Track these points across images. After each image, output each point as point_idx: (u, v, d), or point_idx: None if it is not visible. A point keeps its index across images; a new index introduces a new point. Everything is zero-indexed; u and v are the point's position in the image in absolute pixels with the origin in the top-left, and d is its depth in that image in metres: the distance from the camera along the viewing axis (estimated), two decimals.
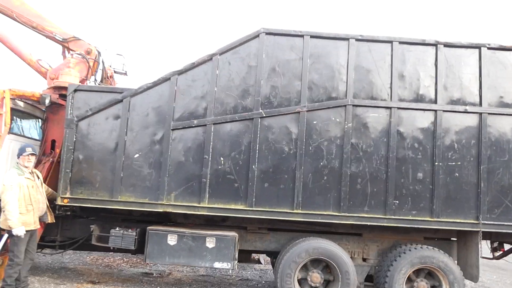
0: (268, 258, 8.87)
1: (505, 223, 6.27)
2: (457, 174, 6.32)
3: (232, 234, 6.51)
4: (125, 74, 9.08)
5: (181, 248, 6.40)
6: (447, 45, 6.58)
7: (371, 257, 6.84)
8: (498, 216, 6.29)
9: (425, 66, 6.55)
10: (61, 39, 7.86)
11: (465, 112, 6.43)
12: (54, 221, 6.62)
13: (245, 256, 7.49)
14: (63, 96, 7.06)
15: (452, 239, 7.03)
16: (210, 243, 6.39)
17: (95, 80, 7.98)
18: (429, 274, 6.50)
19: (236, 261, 6.46)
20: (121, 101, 6.60)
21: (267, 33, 6.61)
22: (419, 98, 6.48)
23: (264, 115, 6.43)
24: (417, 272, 6.49)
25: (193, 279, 8.28)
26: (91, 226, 7.02)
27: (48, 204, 6.42)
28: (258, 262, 9.87)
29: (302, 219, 6.37)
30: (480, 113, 6.40)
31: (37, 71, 8.08)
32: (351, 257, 6.62)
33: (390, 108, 6.42)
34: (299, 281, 6.48)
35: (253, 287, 7.97)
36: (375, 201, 6.30)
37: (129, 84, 11.04)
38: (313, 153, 6.38)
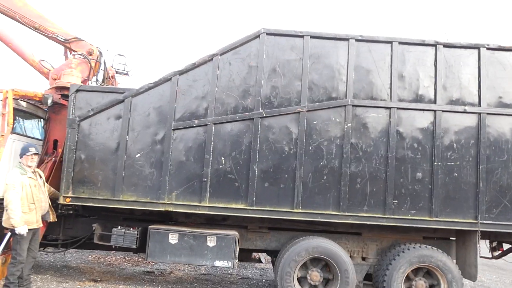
0: (269, 257, 8.91)
1: (504, 223, 6.30)
2: (456, 174, 6.36)
3: (233, 233, 6.56)
4: (127, 74, 9.14)
5: (182, 246, 6.46)
6: (446, 45, 6.61)
7: (371, 256, 6.89)
8: (497, 215, 6.32)
9: (424, 67, 6.58)
10: (63, 40, 7.91)
11: (464, 112, 6.46)
12: (56, 220, 6.67)
13: (245, 255, 7.55)
14: (65, 96, 7.10)
15: (451, 238, 7.06)
16: (211, 242, 6.45)
17: (97, 80, 8.04)
18: (428, 273, 6.54)
19: (237, 260, 6.53)
20: (122, 101, 6.64)
21: (267, 34, 6.65)
22: (418, 98, 6.52)
23: (265, 115, 6.47)
24: (416, 271, 6.53)
25: (194, 277, 8.34)
26: (93, 225, 7.11)
27: (50, 203, 6.48)
28: (259, 261, 9.92)
29: (302, 218, 6.41)
30: (479, 113, 6.43)
31: (39, 72, 8.14)
32: (350, 256, 6.68)
33: (389, 108, 6.46)
34: (299, 280, 6.53)
35: (253, 286, 8.02)
36: (374, 200, 6.35)
37: (131, 84, 11.07)
38: (313, 153, 6.42)
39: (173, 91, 6.59)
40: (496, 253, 7.28)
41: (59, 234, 7.40)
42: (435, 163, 6.33)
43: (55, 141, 7.40)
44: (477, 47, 6.60)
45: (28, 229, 5.95)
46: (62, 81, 7.33)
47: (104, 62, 8.23)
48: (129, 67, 9.07)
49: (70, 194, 6.55)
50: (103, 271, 8.38)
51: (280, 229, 7.04)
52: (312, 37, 6.63)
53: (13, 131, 6.80)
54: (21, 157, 6.15)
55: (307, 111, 6.46)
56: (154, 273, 8.54)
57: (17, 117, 7.05)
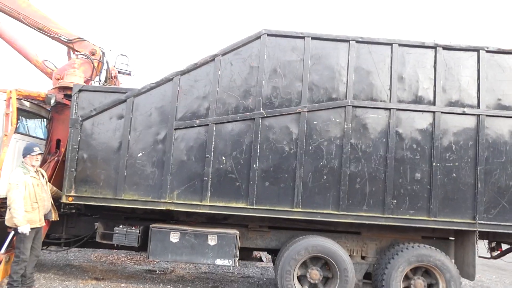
0: (270, 256, 8.97)
1: (502, 223, 6.35)
2: (454, 175, 6.41)
3: (234, 232, 6.63)
4: (129, 74, 9.19)
5: (183, 245, 6.53)
6: (446, 47, 6.65)
7: (370, 255, 6.95)
8: (495, 216, 6.37)
9: (424, 68, 6.63)
10: (66, 40, 7.97)
11: (463, 114, 6.50)
12: (58, 219, 6.74)
13: (246, 254, 7.59)
14: (68, 96, 7.16)
15: (450, 238, 7.12)
16: (212, 241, 6.51)
17: (100, 80, 8.08)
18: (426, 272, 6.59)
19: (237, 258, 6.58)
20: (124, 101, 6.71)
21: (268, 35, 6.71)
22: (418, 100, 6.57)
23: (265, 115, 6.53)
24: (415, 270, 6.59)
25: (195, 276, 8.40)
26: (95, 224, 7.16)
27: (52, 202, 6.55)
28: (260, 260, 9.97)
29: (302, 218, 6.48)
30: (478, 115, 6.47)
31: (42, 72, 8.19)
32: (350, 255, 6.74)
33: (389, 109, 6.51)
34: (299, 278, 6.59)
35: (254, 284, 8.08)
36: (373, 200, 6.40)
37: (133, 84, 11.16)
38: (313, 153, 6.48)
39: (175, 91, 6.66)
40: (495, 253, 7.33)
41: (62, 233, 7.46)
42: (434, 164, 6.39)
43: (58, 141, 7.46)
44: (476, 49, 6.64)
45: (31, 228, 6.02)
46: (65, 81, 7.37)
47: (107, 62, 8.28)
48: (131, 67, 9.12)
49: (72, 193, 6.62)
50: (105, 269, 8.45)
51: (280, 228, 7.10)
52: (313, 38, 6.69)
53: (16, 131, 6.86)
54: (24, 156, 6.20)
55: (307, 111, 6.52)
56: (156, 271, 8.61)
57: (20, 117, 7.11)
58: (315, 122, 6.52)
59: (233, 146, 6.54)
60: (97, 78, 8.00)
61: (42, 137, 7.64)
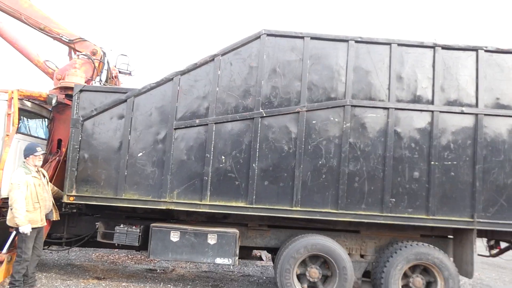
0: (270, 255, 9.01)
1: (500, 222, 6.40)
2: (453, 174, 6.44)
3: (233, 231, 6.66)
4: (130, 74, 9.23)
5: (184, 244, 6.57)
6: (445, 47, 6.68)
7: (369, 253, 6.99)
8: (493, 214, 6.41)
9: (423, 68, 6.66)
10: (67, 41, 8.00)
11: (462, 113, 6.54)
12: (59, 218, 6.78)
13: (246, 253, 7.63)
14: (69, 96, 7.20)
15: (448, 236, 7.15)
16: (212, 240, 6.55)
17: (100, 80, 8.12)
18: (425, 270, 6.63)
19: (237, 257, 6.62)
20: (125, 101, 6.75)
21: (268, 35, 6.74)
22: (416, 99, 6.60)
23: (265, 115, 6.57)
24: (413, 268, 6.62)
25: (196, 275, 8.45)
26: (96, 223, 7.19)
27: (53, 202, 6.59)
28: (260, 258, 10.02)
29: (301, 216, 6.51)
30: (476, 114, 6.51)
31: (44, 72, 8.23)
32: (349, 254, 6.78)
33: (387, 108, 6.54)
34: (298, 277, 6.64)
35: (254, 283, 8.12)
36: (372, 199, 6.44)
37: (134, 84, 11.19)
38: (312, 152, 6.52)
39: (175, 91, 6.70)
40: (494, 251, 7.38)
41: (63, 232, 7.49)
42: (432, 162, 6.42)
43: (59, 141, 7.49)
44: (475, 49, 6.67)
45: (33, 228, 6.06)
46: (66, 81, 7.41)
47: (108, 62, 8.32)
48: (132, 66, 9.16)
49: (73, 193, 6.66)
50: (106, 269, 8.49)
51: (279, 227, 7.14)
52: (312, 38, 6.72)
53: (18, 131, 6.89)
54: (27, 157, 6.22)
55: (306, 111, 6.56)
56: (157, 270, 8.66)
57: (22, 117, 7.15)
58: (314, 122, 6.56)
59: (232, 145, 6.58)
60: (98, 78, 8.03)
61: (44, 137, 7.69)
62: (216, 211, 6.62)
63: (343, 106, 6.55)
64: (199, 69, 6.76)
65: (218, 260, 6.55)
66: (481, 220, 6.38)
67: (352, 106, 6.55)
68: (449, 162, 6.46)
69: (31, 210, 6.07)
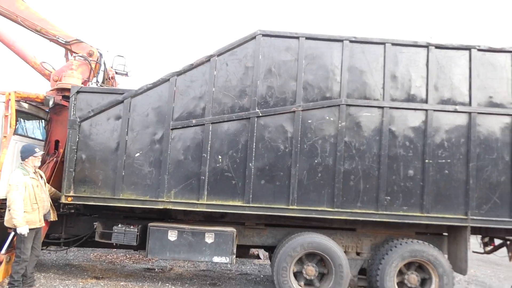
0: (267, 253, 9.06)
1: (493, 219, 6.47)
2: (446, 171, 6.52)
3: (230, 229, 6.72)
4: (126, 75, 9.26)
5: (181, 243, 6.62)
6: (438, 46, 6.74)
7: (365, 251, 7.05)
8: (487, 212, 6.48)
9: (416, 67, 6.72)
10: (64, 42, 8.01)
11: (455, 111, 6.60)
12: (57, 219, 6.82)
13: (243, 251, 7.68)
14: (66, 98, 7.23)
15: (443, 234, 7.22)
16: (209, 239, 6.60)
17: (97, 81, 8.14)
18: (420, 267, 6.71)
19: (235, 256, 6.67)
20: (122, 102, 6.78)
21: (263, 35, 6.78)
22: (410, 98, 6.66)
23: (261, 115, 6.62)
24: (408, 265, 6.70)
25: (194, 274, 8.50)
26: (94, 223, 7.23)
27: (51, 202, 6.63)
28: (257, 257, 10.06)
29: (298, 215, 6.58)
30: (470, 113, 6.57)
31: (41, 74, 8.24)
32: (345, 251, 6.85)
33: (382, 107, 6.60)
34: (295, 274, 6.71)
35: (251, 281, 8.18)
36: (367, 197, 6.51)
37: (130, 85, 11.21)
38: (308, 151, 6.58)
39: (171, 92, 6.74)
40: (488, 248, 7.46)
41: (61, 232, 7.53)
42: (427, 160, 6.49)
43: (57, 142, 7.53)
44: (468, 48, 6.73)
45: (31, 228, 6.10)
46: (63, 82, 7.41)
47: (104, 63, 8.33)
48: (128, 67, 9.19)
49: (71, 193, 6.69)
50: (104, 268, 8.53)
51: (276, 226, 7.19)
52: (307, 38, 6.76)
53: (15, 133, 6.92)
54: (26, 158, 6.25)
55: (302, 110, 6.61)
56: (155, 270, 8.71)
57: (19, 119, 7.17)
58: (309, 121, 6.62)
59: (229, 145, 6.63)
60: (94, 79, 8.05)
61: (41, 138, 7.72)
62: (213, 210, 6.67)
63: (338, 105, 6.61)
64: (195, 69, 6.80)
65: (216, 259, 6.60)
66: (474, 218, 6.45)
67: (347, 105, 6.61)
68: (443, 160, 6.53)
69: (30, 211, 6.10)
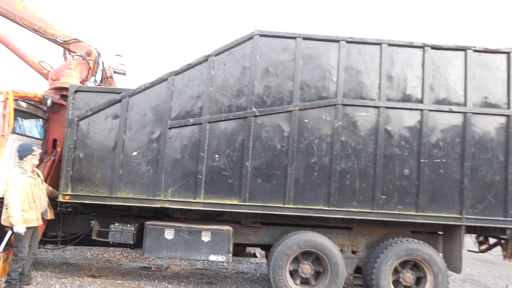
0: (264, 252, 9.11)
1: (488, 218, 6.52)
2: (442, 171, 6.57)
3: (227, 228, 6.75)
4: (124, 74, 9.27)
5: (178, 242, 6.65)
6: (434, 47, 6.79)
7: (360, 249, 7.09)
8: (481, 211, 6.53)
9: (412, 68, 6.77)
10: (62, 41, 8.04)
11: (451, 111, 6.65)
12: (54, 217, 6.83)
13: (240, 250, 7.72)
14: (64, 97, 7.26)
15: (438, 232, 7.27)
16: (206, 237, 6.64)
17: (95, 80, 8.16)
18: (415, 265, 6.75)
19: (231, 254, 6.70)
20: (119, 101, 6.82)
21: (261, 35, 6.82)
22: (406, 98, 6.71)
23: (258, 114, 6.66)
24: (403, 264, 6.74)
25: (190, 272, 8.54)
26: (91, 222, 7.26)
27: (48, 201, 6.65)
28: (254, 256, 10.12)
29: (294, 213, 6.61)
30: (465, 113, 6.63)
31: (39, 73, 8.27)
32: (340, 250, 6.90)
33: (378, 107, 6.65)
34: (291, 273, 6.74)
35: (248, 280, 8.21)
36: (363, 196, 6.55)
37: (128, 84, 11.26)
38: (304, 150, 6.62)
39: (169, 91, 6.77)
40: (483, 247, 7.52)
41: (59, 231, 7.54)
42: (422, 160, 6.54)
43: (55, 141, 7.54)
44: (464, 49, 6.78)
45: (29, 227, 6.12)
46: (61, 82, 7.44)
47: (102, 62, 8.35)
48: (126, 67, 9.21)
49: (69, 192, 6.72)
50: (101, 267, 8.55)
51: (273, 224, 7.22)
52: (304, 38, 6.81)
53: (13, 131, 6.91)
54: (24, 157, 6.27)
55: (298, 110, 6.65)
56: (151, 268, 8.73)
57: (17, 117, 7.17)
58: (306, 120, 6.66)
59: (226, 144, 6.67)
60: (92, 79, 8.08)
61: (39, 137, 7.72)
62: (210, 208, 6.70)
63: (335, 105, 6.66)
64: (193, 69, 6.84)
65: (212, 257, 6.64)
66: (469, 217, 6.51)
67: (343, 105, 6.66)
68: (438, 160, 6.59)
69: (27, 209, 6.12)
